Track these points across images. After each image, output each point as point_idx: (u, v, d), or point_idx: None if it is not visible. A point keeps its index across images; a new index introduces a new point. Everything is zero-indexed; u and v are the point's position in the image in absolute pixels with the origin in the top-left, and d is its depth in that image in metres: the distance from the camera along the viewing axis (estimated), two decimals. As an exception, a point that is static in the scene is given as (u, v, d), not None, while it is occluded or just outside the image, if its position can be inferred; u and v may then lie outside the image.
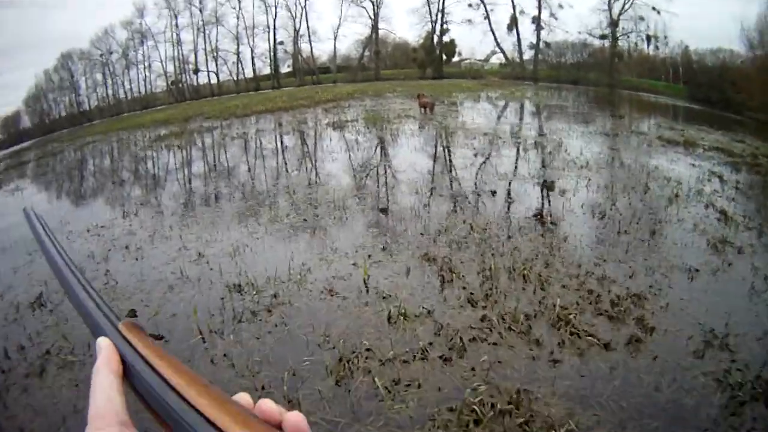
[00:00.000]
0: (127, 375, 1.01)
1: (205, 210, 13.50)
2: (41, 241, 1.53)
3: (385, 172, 15.48)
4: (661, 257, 9.42)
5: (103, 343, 1.07)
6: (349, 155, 18.34)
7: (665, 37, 61.05)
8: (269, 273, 8.94)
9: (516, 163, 16.53)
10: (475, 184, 13.99)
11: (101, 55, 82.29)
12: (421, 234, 10.56)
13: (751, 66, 45.97)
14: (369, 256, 9.43)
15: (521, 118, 28.72)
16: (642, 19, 61.66)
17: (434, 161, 16.96)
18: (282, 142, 23.05)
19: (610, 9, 62.31)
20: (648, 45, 62.58)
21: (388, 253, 9.60)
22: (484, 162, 16.45)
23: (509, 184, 13.98)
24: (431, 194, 13.16)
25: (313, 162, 17.52)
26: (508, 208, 12.02)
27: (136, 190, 17.36)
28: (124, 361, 1.03)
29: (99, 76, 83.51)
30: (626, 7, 61.88)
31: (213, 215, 12.79)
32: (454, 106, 32.47)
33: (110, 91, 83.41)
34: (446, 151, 18.54)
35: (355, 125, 25.41)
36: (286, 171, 16.57)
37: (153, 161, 23.10)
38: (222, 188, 15.50)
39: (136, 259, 10.37)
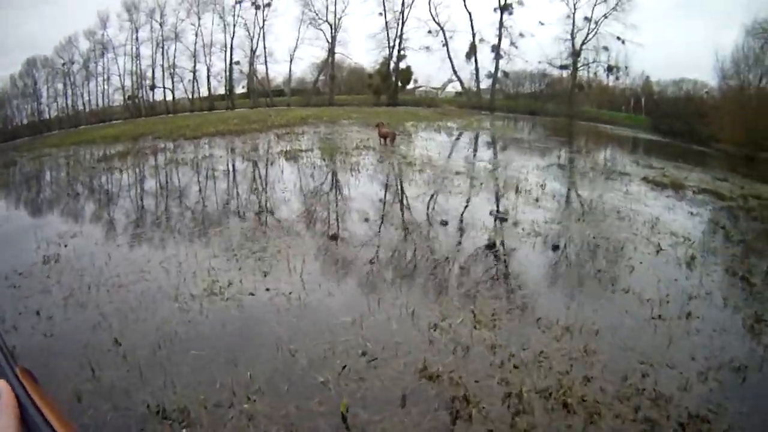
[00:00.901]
0: (24, 418, 1.10)
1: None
2: None
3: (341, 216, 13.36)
4: (710, 349, 7.62)
5: (4, 388, 1.13)
6: (302, 191, 16.19)
7: (626, 68, 60.29)
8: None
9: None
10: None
11: (63, 64, 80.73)
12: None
13: (722, 97, 45.63)
14: (344, 366, 6.95)
15: (494, 155, 26.34)
16: (606, 49, 60.97)
17: (401, 206, 14.70)
18: (233, 171, 20.82)
19: (573, 38, 61.56)
20: (609, 75, 61.87)
21: (370, 361, 7.16)
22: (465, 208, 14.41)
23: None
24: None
25: (264, 204, 14.99)
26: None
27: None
28: (20, 404, 1.13)
29: (60, 86, 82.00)
30: (590, 36, 61.24)
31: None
32: (412, 137, 30.77)
33: (69, 102, 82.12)
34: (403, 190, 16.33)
35: (309, 156, 23.17)
36: (238, 214, 14.21)
37: (87, 186, 20.74)
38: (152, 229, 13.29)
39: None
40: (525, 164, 21.74)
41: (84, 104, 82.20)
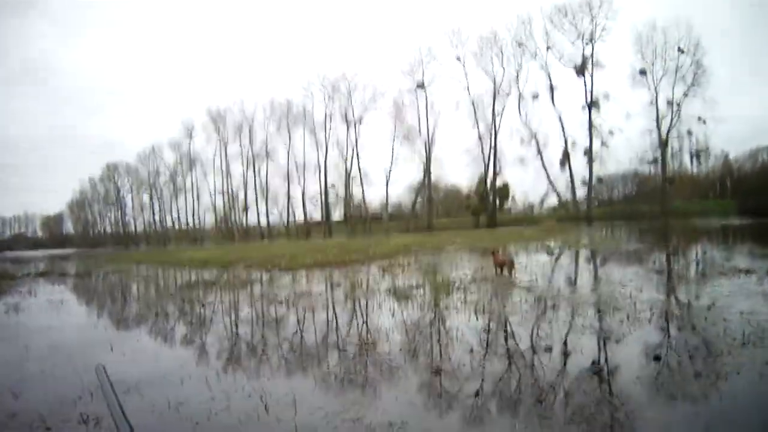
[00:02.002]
0: None
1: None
2: (110, 402, 2.03)
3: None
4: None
5: None
6: (421, 350, 11.94)
7: (707, 149, 62.41)
8: None
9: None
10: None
11: (148, 175, 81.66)
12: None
13: None
14: None
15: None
16: (690, 133, 61.42)
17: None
18: (333, 313, 17.11)
19: (659, 128, 61.12)
20: (694, 162, 63.55)
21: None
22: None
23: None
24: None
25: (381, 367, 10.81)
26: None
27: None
28: None
29: (146, 197, 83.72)
30: (674, 122, 61.11)
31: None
32: (521, 261, 26.95)
33: (157, 217, 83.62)
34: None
35: (421, 293, 19.34)
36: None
37: (153, 327, 16.84)
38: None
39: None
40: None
41: (173, 221, 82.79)
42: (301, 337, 14.15)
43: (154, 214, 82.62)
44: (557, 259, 28.96)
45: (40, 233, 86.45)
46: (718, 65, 57.00)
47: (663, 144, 59.88)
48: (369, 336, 13.54)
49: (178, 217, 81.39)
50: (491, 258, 23.80)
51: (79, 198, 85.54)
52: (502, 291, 18.70)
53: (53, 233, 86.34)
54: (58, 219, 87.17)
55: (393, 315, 16.04)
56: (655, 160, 61.45)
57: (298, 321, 16.23)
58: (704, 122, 57.54)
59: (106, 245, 77.08)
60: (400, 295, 19.10)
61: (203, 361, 12.04)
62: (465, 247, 38.18)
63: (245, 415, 8.02)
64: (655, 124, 60.44)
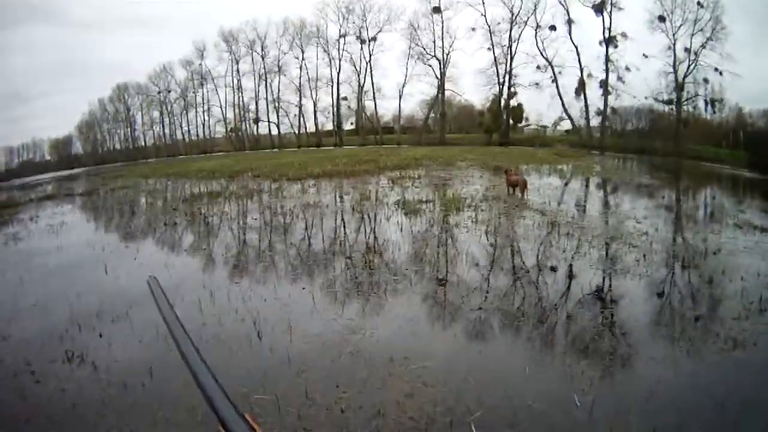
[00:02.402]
0: None
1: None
2: (164, 312, 1.89)
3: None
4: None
5: None
6: (437, 269, 11.20)
7: (721, 100, 59.00)
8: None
9: None
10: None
11: (159, 93, 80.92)
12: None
13: None
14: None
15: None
16: (706, 81, 58.58)
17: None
18: (342, 228, 16.23)
19: (675, 71, 59.03)
20: (708, 109, 60.10)
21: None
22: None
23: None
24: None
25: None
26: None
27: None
28: None
29: (156, 114, 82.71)
30: (690, 69, 58.67)
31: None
32: (536, 184, 25.63)
33: (167, 131, 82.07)
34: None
35: (431, 209, 18.42)
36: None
37: (156, 241, 16.27)
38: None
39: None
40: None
41: (183, 134, 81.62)
42: (308, 247, 13.59)
43: (164, 128, 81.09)
44: (569, 184, 27.83)
45: (48, 157, 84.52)
46: (737, 25, 54.07)
47: (679, 87, 57.95)
48: (375, 249, 12.93)
49: (188, 130, 79.92)
50: (504, 176, 22.90)
51: (88, 119, 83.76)
52: (515, 212, 17.86)
53: (62, 156, 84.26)
54: (66, 141, 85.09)
55: (401, 229, 15.28)
56: (670, 101, 59.54)
57: (301, 234, 15.55)
58: (721, 74, 55.59)
59: (116, 162, 75.98)
60: (409, 209, 18.22)
61: (202, 272, 11.71)
62: (477, 163, 37.04)
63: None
64: (671, 67, 58.43)
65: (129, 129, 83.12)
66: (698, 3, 56.90)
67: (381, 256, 12.26)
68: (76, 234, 18.17)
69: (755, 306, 9.00)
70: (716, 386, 6.32)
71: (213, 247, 14.35)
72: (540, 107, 71.57)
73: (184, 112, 79.73)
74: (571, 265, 11.27)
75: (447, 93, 68.16)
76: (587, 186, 27.25)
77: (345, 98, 71.16)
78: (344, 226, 16.35)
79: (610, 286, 10.02)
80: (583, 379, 6.38)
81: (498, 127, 65.52)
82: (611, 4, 61.15)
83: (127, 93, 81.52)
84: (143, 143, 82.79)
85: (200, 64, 76.87)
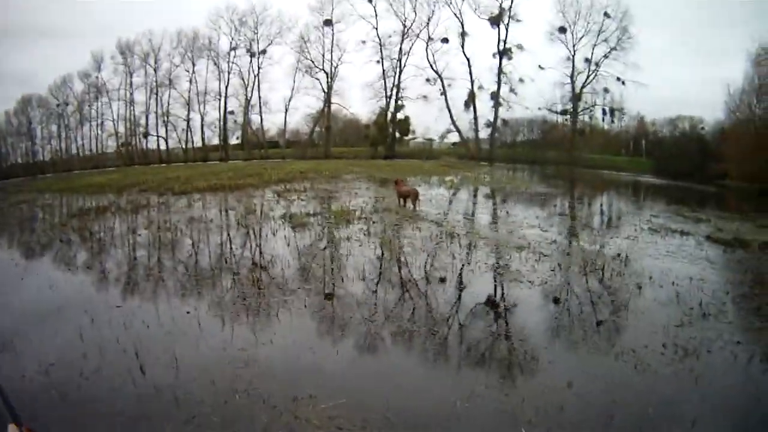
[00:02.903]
0: None
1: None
2: None
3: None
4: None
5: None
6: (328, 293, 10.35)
7: (622, 109, 60.00)
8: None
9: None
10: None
11: (58, 105, 78.73)
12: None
13: (733, 131, 44.22)
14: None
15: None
16: (606, 90, 59.37)
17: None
18: (227, 244, 15.45)
19: (573, 82, 59.60)
20: (608, 118, 61.18)
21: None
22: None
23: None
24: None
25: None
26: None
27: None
28: None
29: (54, 127, 80.00)
30: (590, 79, 59.33)
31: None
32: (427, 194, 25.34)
33: (63, 145, 79.80)
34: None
35: (320, 222, 17.98)
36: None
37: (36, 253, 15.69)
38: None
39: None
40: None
41: (78, 148, 79.49)
42: (195, 264, 12.97)
43: (60, 142, 78.97)
44: (458, 194, 27.82)
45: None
46: (645, 34, 54.93)
47: (576, 97, 58.88)
48: (263, 265, 12.43)
49: (83, 144, 77.94)
50: (394, 187, 22.48)
51: None
52: (409, 223, 17.60)
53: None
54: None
55: (288, 244, 14.77)
56: (565, 111, 60.35)
57: (188, 250, 14.83)
58: (623, 83, 56.79)
59: (17, 176, 73.82)
60: (296, 222, 17.73)
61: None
62: (363, 175, 36.76)
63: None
64: (569, 78, 59.32)
65: (30, 143, 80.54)
66: (605, 14, 57.91)
67: (269, 272, 11.83)
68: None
69: (696, 311, 9.09)
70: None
71: (97, 265, 13.51)
72: (428, 120, 71.60)
73: (80, 125, 77.75)
74: (461, 277, 11.26)
75: (333, 106, 67.90)
76: (477, 196, 27.41)
77: (232, 112, 70.16)
78: (230, 242, 15.83)
79: (504, 295, 10.09)
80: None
81: (384, 139, 65.51)
82: (509, 16, 61.62)
83: (30, 106, 79.04)
84: (42, 157, 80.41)
85: (97, 77, 75.01)
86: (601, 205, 26.95)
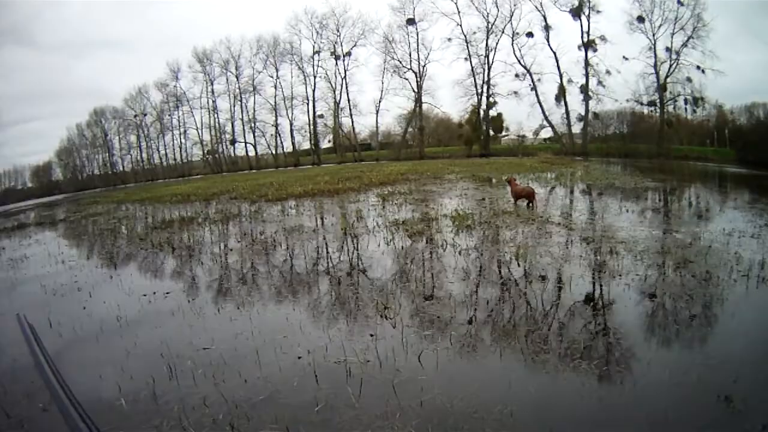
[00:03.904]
0: None
1: None
2: (31, 347, 2.05)
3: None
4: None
5: None
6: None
7: (702, 99, 57.21)
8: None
9: None
10: None
11: (135, 116, 79.11)
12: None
13: None
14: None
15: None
16: (689, 80, 56.71)
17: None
18: (333, 264, 12.39)
19: (657, 72, 57.18)
20: (689, 108, 58.54)
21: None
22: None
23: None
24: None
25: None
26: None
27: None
28: None
29: (133, 138, 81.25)
30: (672, 68, 56.84)
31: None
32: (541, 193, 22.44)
33: (144, 155, 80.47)
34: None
35: (436, 227, 15.21)
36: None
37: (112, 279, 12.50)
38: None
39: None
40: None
41: (160, 158, 79.34)
42: (315, 295, 10.09)
43: (141, 152, 78.84)
44: (574, 191, 24.93)
45: (30, 184, 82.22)
46: (718, 21, 52.31)
47: (661, 87, 56.27)
48: (387, 302, 8.96)
49: (165, 153, 77.78)
50: (508, 187, 19.77)
51: (67, 145, 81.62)
52: (536, 229, 14.63)
53: (43, 182, 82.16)
54: (46, 168, 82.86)
55: (410, 260, 11.87)
56: (652, 102, 57.73)
57: (282, 272, 12.06)
58: (703, 72, 54.21)
59: (95, 187, 73.85)
60: (414, 231, 14.80)
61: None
62: (466, 175, 33.81)
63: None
64: (653, 68, 56.75)
65: (107, 154, 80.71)
66: (678, 1, 55.44)
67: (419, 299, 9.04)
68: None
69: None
70: None
71: (175, 291, 10.91)
72: (519, 116, 69.75)
73: (161, 135, 77.87)
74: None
75: (424, 106, 66.15)
76: (591, 193, 23.97)
77: (321, 116, 69.51)
78: (347, 255, 13.09)
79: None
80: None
81: (478, 138, 63.44)
82: (589, 7, 59.36)
83: (104, 117, 79.37)
84: (121, 168, 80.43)
85: (175, 86, 74.92)
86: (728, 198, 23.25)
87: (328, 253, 13.43)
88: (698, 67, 54.93)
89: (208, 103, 74.82)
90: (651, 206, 19.71)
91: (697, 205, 20.62)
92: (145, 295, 10.53)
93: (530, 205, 18.19)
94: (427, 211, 18.84)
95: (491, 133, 64.84)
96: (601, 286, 9.28)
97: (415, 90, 64.74)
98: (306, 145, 71.43)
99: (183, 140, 77.37)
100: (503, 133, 65.84)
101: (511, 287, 9.41)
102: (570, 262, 10.88)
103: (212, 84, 73.94)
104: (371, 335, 7.42)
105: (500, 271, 10.54)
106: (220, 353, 7.15)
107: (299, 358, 6.92)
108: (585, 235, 13.45)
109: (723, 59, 52.17)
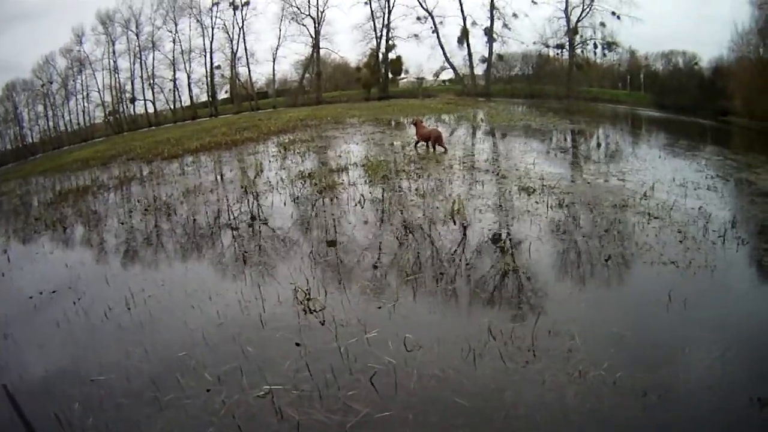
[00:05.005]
0: None
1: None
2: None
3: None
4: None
5: None
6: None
7: (616, 44, 56.19)
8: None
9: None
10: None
11: (42, 85, 76.00)
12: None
13: (740, 68, 40.74)
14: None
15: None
16: (603, 25, 55.53)
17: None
18: (234, 231, 10.96)
19: (567, 17, 55.89)
20: (600, 52, 57.75)
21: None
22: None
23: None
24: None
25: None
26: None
27: None
28: None
29: (41, 108, 77.50)
30: (585, 13, 55.70)
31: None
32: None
33: (51, 123, 77.34)
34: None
35: (354, 180, 13.80)
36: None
37: None
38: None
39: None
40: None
41: (65, 124, 76.68)
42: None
43: (48, 120, 76.16)
44: (479, 132, 24.41)
45: (-52, 167, 78.41)
46: None
47: (572, 31, 55.96)
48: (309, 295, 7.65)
49: (70, 119, 75.16)
50: (414, 130, 18.64)
51: None
52: (455, 173, 13.82)
53: (-41, 166, 78.75)
54: (-33, 149, 79.68)
55: (325, 223, 10.56)
56: (560, 45, 57.37)
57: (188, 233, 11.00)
58: (618, 18, 53.72)
59: (7, 163, 71.07)
60: (321, 185, 13.47)
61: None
62: (369, 118, 32.16)
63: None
64: (563, 12, 55.93)
65: (18, 128, 77.71)
66: None
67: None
68: None
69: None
70: None
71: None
72: (419, 58, 68.45)
73: (65, 102, 75.04)
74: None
75: (322, 52, 65.08)
76: (506, 136, 23.06)
77: (218, 67, 68.34)
78: (248, 221, 11.47)
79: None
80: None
81: (376, 81, 62.49)
82: None
83: (15, 91, 75.96)
84: (31, 140, 77.65)
85: (79, 51, 72.33)
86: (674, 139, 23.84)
87: (229, 218, 11.82)
88: (613, 13, 54.32)
89: (109, 64, 72.64)
90: (577, 150, 19.54)
91: (634, 150, 20.34)
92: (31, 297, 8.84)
93: (433, 147, 17.36)
94: (333, 160, 17.54)
95: (390, 75, 63.95)
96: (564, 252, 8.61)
97: (313, 36, 63.60)
98: (204, 98, 70.42)
99: (86, 104, 75.05)
100: (401, 76, 64.83)
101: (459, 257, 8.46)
102: (518, 218, 10.11)
103: (113, 45, 71.66)
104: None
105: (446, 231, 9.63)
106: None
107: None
108: (522, 184, 12.57)
109: (642, 7, 52.12)
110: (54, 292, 8.91)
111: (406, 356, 5.75)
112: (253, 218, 11.35)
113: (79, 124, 76.00)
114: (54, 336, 7.12)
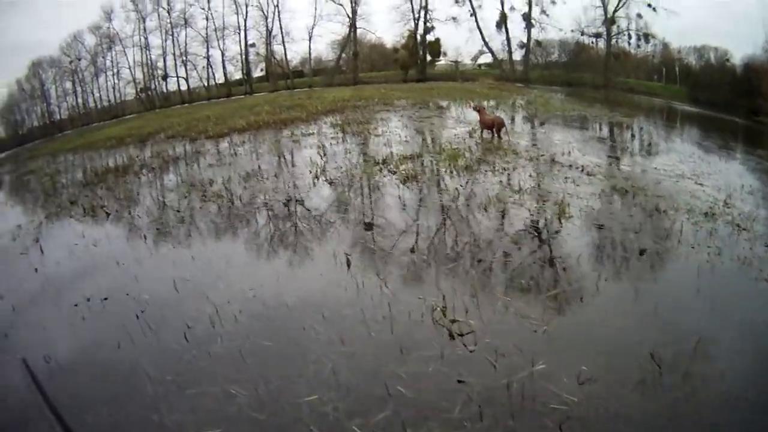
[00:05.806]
0: None
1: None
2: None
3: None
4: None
5: None
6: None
7: (646, 36, 53.68)
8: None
9: None
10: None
11: (70, 62, 75.00)
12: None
13: None
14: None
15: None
16: (640, 16, 52.67)
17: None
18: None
19: (605, 6, 53.40)
20: (635, 43, 54.90)
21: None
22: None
23: None
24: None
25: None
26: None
27: None
28: None
29: (69, 84, 76.36)
30: (621, 3, 52.94)
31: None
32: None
33: (80, 100, 76.43)
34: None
35: (423, 167, 12.69)
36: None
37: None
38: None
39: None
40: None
41: (95, 101, 76.14)
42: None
43: (76, 97, 75.21)
44: (537, 122, 22.34)
45: (-28, 147, 77.78)
46: None
47: (609, 21, 53.73)
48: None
49: (99, 96, 74.13)
50: (477, 116, 17.03)
51: (7, 101, 77.46)
52: (544, 170, 12.45)
53: (-15, 143, 78.14)
54: (-10, 128, 79.01)
55: (414, 208, 9.65)
56: (597, 35, 54.92)
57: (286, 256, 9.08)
58: (654, 9, 51.94)
59: (35, 140, 70.55)
60: (402, 175, 11.90)
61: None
62: (417, 101, 29.87)
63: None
64: (600, 2, 53.37)
65: (45, 104, 76.95)
66: None
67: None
68: None
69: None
70: None
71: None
72: (457, 42, 67.28)
73: (95, 78, 73.85)
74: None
75: (359, 31, 63.66)
76: (561, 126, 21.33)
77: (253, 45, 66.17)
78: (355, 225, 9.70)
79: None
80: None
81: (414, 62, 61.51)
82: None
83: (41, 69, 75.23)
84: (59, 117, 76.95)
85: (108, 27, 70.68)
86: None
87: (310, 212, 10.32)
88: (649, 5, 51.80)
89: (140, 41, 71.37)
90: (650, 147, 17.94)
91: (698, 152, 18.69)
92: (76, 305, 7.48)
93: (498, 135, 16.10)
94: (400, 144, 16.08)
95: (428, 58, 62.84)
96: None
97: (350, 15, 62.16)
98: (237, 76, 68.23)
99: (116, 81, 73.99)
100: (441, 58, 63.66)
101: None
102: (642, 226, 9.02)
103: (144, 21, 70.53)
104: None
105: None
106: None
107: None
108: (613, 183, 11.39)
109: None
110: (105, 299, 7.43)
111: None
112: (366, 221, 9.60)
113: (109, 100, 75.24)
114: (116, 377, 5.63)
